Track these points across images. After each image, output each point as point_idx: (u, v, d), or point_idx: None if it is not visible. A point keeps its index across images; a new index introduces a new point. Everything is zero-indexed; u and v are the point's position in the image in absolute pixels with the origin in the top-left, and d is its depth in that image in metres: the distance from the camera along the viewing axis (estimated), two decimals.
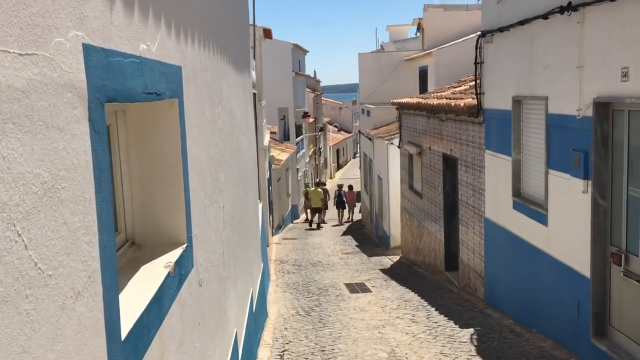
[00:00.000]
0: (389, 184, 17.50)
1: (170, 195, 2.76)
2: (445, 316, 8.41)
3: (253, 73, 11.05)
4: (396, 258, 15.66)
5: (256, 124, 12.16)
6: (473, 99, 9.42)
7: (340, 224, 25.83)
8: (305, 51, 36.27)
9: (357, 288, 11.21)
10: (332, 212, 27.79)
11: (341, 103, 73.42)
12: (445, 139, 10.96)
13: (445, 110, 10.54)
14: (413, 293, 10.27)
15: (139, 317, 1.91)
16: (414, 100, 13.32)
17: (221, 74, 4.53)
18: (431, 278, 11.86)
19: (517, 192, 7.67)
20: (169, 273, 2.40)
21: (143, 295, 2.11)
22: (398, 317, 8.56)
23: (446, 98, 11.10)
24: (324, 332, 7.81)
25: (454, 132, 10.31)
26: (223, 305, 4.09)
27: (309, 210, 27.49)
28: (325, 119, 55.23)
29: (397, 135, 16.63)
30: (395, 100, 15.39)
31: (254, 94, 11.50)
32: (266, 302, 8.95)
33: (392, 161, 17.16)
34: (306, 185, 29.18)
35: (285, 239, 21.21)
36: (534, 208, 7.05)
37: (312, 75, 44.50)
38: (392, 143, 17.00)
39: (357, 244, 19.51)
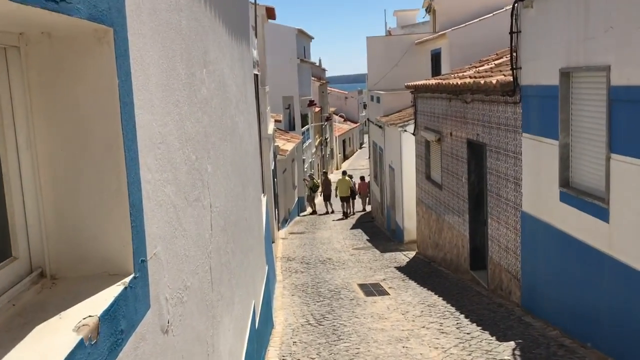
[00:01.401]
0: (402, 174, 16.35)
1: (103, 194, 1.64)
2: (478, 325, 7.29)
3: (255, 52, 9.91)
4: (412, 254, 14.54)
5: (259, 110, 11.05)
6: (505, 75, 8.26)
7: (352, 213, 24.85)
8: (311, 37, 35.02)
9: (372, 290, 10.11)
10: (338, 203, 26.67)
11: (347, 93, 72.14)
12: (470, 123, 9.80)
13: (471, 90, 9.36)
14: (437, 296, 9.15)
15: None
16: (433, 81, 12.14)
17: (207, 29, 3.39)
18: (454, 278, 10.74)
19: (565, 182, 6.51)
20: (81, 341, 1.28)
21: None
22: (423, 327, 7.45)
23: (470, 77, 9.92)
24: (339, 348, 6.71)
25: (482, 114, 9.14)
26: (211, 341, 2.98)
27: (314, 202, 26.51)
28: (331, 109, 54.06)
29: (412, 121, 15.46)
30: (410, 83, 14.21)
31: (256, 75, 10.37)
32: (272, 311, 7.85)
33: (405, 150, 16.00)
34: (311, 177, 28.05)
35: (291, 233, 20.13)
36: (589, 201, 5.90)
37: (318, 63, 43.27)
38: (405, 130, 15.83)
39: (367, 238, 18.41)
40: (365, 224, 22.43)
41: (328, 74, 55.72)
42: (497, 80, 7.90)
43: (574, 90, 6.32)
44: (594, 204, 5.80)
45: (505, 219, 8.36)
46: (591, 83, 5.93)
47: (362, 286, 10.51)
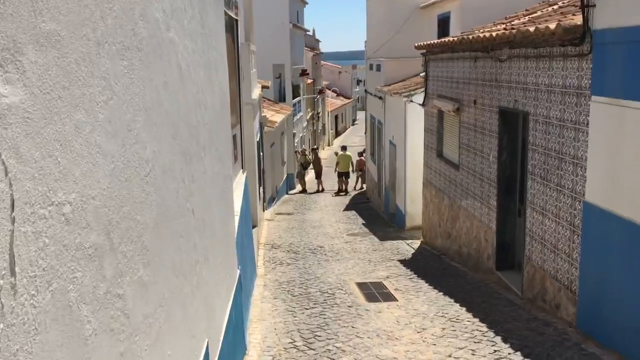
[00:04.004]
0: (406, 152, 14.33)
1: None
2: (524, 356, 5.35)
3: None
4: (416, 243, 12.58)
5: (239, 66, 8.95)
6: (561, 20, 6.20)
7: (346, 192, 23.20)
8: (305, 2, 32.56)
9: (375, 292, 8.15)
10: (333, 180, 24.78)
11: (340, 67, 69.82)
12: (504, 87, 7.75)
13: (511, 44, 7.29)
14: (458, 305, 7.19)
15: None
16: (453, 38, 10.03)
17: None
18: (474, 278, 8.79)
19: None
20: None
21: None
22: (449, 356, 5.49)
23: (505, 29, 7.84)
24: None
25: (524, 75, 7.10)
26: None
27: (304, 180, 24.54)
28: (324, 83, 51.76)
29: (419, 90, 13.39)
30: (421, 43, 12.08)
31: (234, 19, 8.24)
32: (244, 329, 5.84)
33: (410, 123, 13.95)
34: (302, 153, 25.95)
35: (279, 214, 18.12)
36: None
37: (311, 33, 40.79)
38: (411, 101, 13.75)
39: (363, 222, 16.45)
40: (359, 205, 20.47)
41: (321, 49, 53.27)
42: (559, 24, 5.82)
43: None
44: None
45: (555, 211, 6.38)
46: None
47: (361, 286, 8.55)
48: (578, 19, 5.75)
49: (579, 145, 5.86)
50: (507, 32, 7.25)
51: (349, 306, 7.38)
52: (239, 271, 5.45)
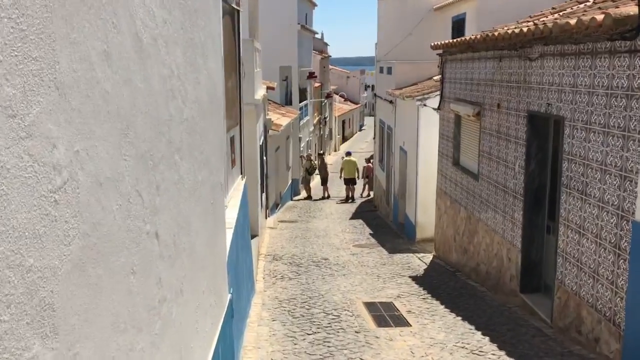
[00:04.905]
0: (418, 158, 13.53)
1: None
2: None
3: None
4: (428, 257, 11.76)
5: (240, 61, 8.19)
6: (604, 11, 5.40)
7: (352, 200, 22.33)
8: (314, 4, 31.84)
9: (385, 315, 7.34)
10: (339, 187, 23.99)
11: (349, 72, 69.13)
12: (535, 89, 6.95)
13: (544, 40, 6.49)
14: (480, 334, 6.37)
15: None
16: (475, 35, 9.21)
17: None
18: (495, 300, 7.96)
19: None
20: None
21: None
22: None
23: (535, 24, 7.03)
24: None
25: (559, 74, 6.29)
26: None
27: (309, 186, 23.71)
28: (332, 87, 51.02)
29: (432, 94, 12.61)
30: (438, 42, 11.28)
31: (236, 9, 7.48)
32: None
33: (423, 128, 13.17)
34: (308, 158, 25.13)
35: (282, 221, 17.33)
36: None
37: (320, 36, 40.07)
38: (424, 105, 12.96)
39: (371, 232, 15.62)
40: (366, 213, 19.65)
41: (329, 53, 52.55)
42: (608, 14, 5.02)
43: None
44: None
45: (596, 230, 5.56)
46: None
47: (369, 307, 7.75)
48: (630, 9, 4.96)
49: (628, 156, 5.05)
50: (540, 27, 6.45)
51: (356, 332, 6.57)
52: (230, 295, 4.66)
